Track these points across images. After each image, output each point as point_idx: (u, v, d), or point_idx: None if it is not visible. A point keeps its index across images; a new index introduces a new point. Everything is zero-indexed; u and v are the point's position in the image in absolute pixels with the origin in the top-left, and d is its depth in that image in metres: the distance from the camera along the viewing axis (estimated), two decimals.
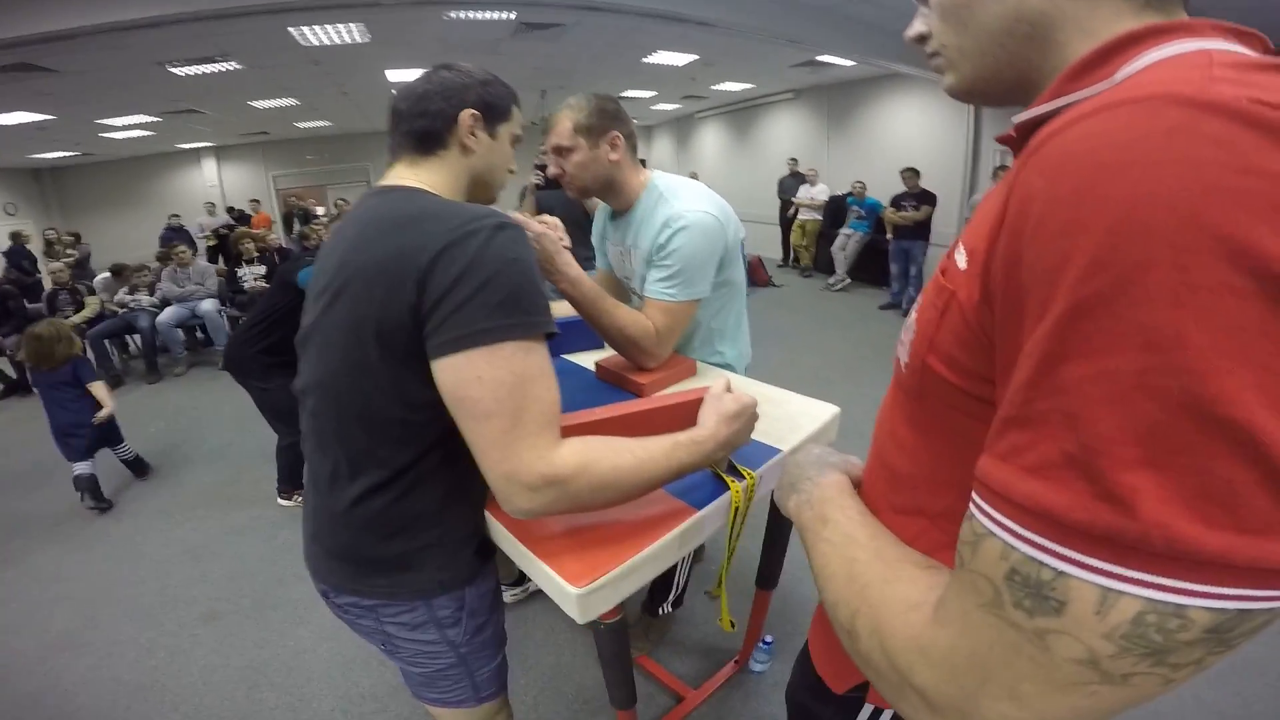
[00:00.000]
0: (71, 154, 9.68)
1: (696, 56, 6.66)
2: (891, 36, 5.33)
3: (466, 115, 0.89)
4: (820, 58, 6.54)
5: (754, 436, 0.98)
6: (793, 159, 8.85)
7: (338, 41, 5.15)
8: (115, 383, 5.20)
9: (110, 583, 2.55)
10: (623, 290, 1.72)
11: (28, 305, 5.53)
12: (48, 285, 5.49)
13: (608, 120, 1.34)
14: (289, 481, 2.95)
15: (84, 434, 3.13)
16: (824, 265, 8.08)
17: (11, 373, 5.25)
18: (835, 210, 7.83)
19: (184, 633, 2.22)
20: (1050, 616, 0.30)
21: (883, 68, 6.24)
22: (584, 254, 3.46)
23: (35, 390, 3.45)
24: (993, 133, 6.68)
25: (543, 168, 3.47)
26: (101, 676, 2.03)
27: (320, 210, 9.80)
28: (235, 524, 2.91)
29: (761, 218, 9.39)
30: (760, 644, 1.82)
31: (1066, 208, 0.30)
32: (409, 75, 6.50)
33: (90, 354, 5.05)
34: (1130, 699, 0.31)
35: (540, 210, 3.54)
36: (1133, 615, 0.28)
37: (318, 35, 4.94)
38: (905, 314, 5.95)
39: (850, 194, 7.36)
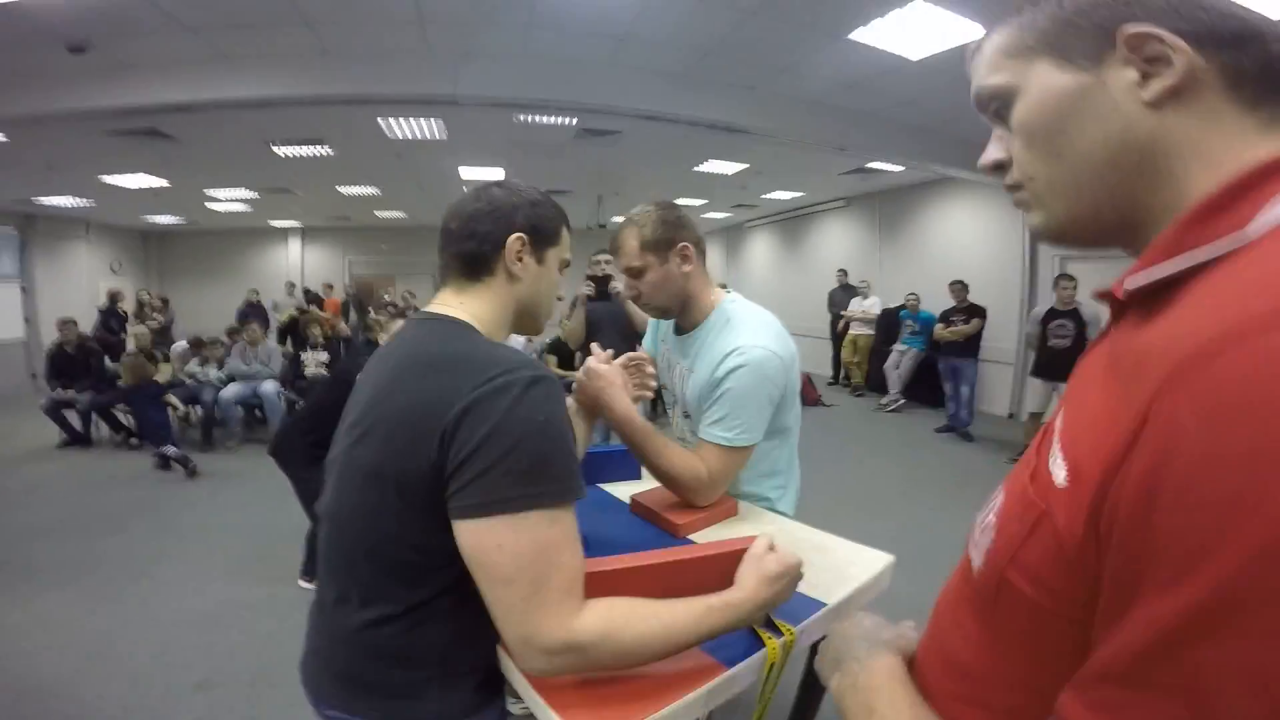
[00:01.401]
0: (177, 220, 10.74)
1: (747, 165, 6.97)
2: (940, 140, 5.44)
3: (514, 240, 0.88)
4: (870, 164, 6.71)
5: (799, 588, 0.92)
6: (842, 270, 8.88)
7: (419, 136, 5.65)
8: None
9: (112, 639, 2.51)
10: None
11: (107, 364, 5.90)
12: (130, 346, 5.83)
13: (673, 230, 1.30)
14: (314, 565, 2.87)
15: (166, 425, 4.88)
16: (877, 383, 7.79)
17: (78, 426, 5.50)
18: (888, 324, 7.64)
19: (170, 698, 2.15)
20: None
21: (933, 172, 6.33)
22: None
23: (130, 405, 5.12)
24: None
25: (594, 278, 3.54)
26: None
27: (387, 296, 10.21)
28: (250, 599, 2.87)
29: (811, 331, 9.31)
30: None
31: (1235, 473, 0.26)
32: (481, 173, 7.15)
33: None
34: None
35: (589, 321, 3.58)
36: None
37: (403, 128, 5.44)
38: (963, 437, 5.70)
39: (904, 307, 7.21)
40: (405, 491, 0.73)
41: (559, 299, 0.98)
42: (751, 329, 1.28)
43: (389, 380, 0.80)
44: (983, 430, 5.91)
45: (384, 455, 0.75)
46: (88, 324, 7.71)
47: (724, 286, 1.43)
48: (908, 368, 7.10)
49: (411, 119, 5.23)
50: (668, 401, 1.57)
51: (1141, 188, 0.40)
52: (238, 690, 2.20)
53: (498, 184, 0.91)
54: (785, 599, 0.86)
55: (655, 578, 0.84)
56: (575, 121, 5.13)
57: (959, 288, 6.03)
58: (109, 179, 7.03)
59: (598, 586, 0.75)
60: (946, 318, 6.07)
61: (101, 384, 5.60)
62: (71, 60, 3.65)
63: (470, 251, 0.87)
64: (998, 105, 0.47)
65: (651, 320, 1.65)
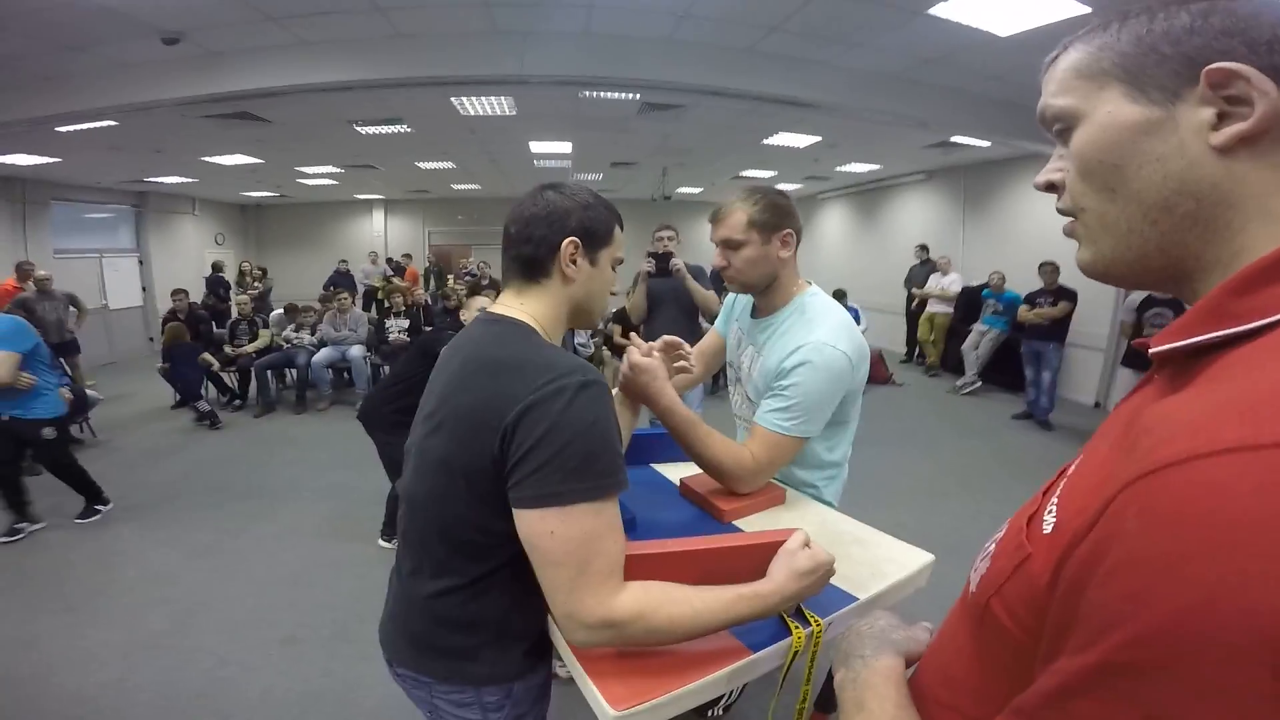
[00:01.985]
0: (272, 194, 11.44)
1: (819, 138, 6.67)
2: (1029, 115, 4.91)
3: (568, 245, 0.93)
4: (954, 138, 6.30)
5: (833, 580, 0.97)
6: (922, 246, 8.42)
7: (490, 113, 5.75)
8: (269, 409, 5.90)
9: (211, 594, 2.75)
10: (716, 362, 1.72)
11: (214, 329, 6.43)
12: (234, 313, 6.33)
13: (782, 217, 1.33)
14: (393, 527, 3.11)
15: (199, 381, 5.57)
16: (953, 364, 7.40)
17: (233, 385, 6.10)
18: (969, 303, 7.23)
19: (259, 651, 2.35)
20: None
21: (1020, 148, 5.87)
22: (691, 343, 3.42)
23: (169, 363, 5.64)
24: None
25: (655, 255, 3.52)
26: (171, 679, 2.18)
27: (465, 265, 10.53)
28: (335, 557, 3.10)
29: (886, 307, 8.97)
30: None
31: (1145, 575, 0.29)
32: (550, 147, 7.21)
33: (254, 380, 5.88)
34: None
35: (650, 296, 3.59)
36: None
37: (475, 105, 5.55)
38: (1041, 425, 5.40)
39: (986, 286, 6.78)
40: (471, 481, 0.83)
41: (612, 294, 1.03)
42: (828, 327, 1.29)
43: (458, 378, 0.88)
44: (1064, 419, 5.56)
45: (452, 448, 0.84)
46: (197, 292, 8.44)
47: (808, 282, 1.44)
48: (987, 349, 6.72)
49: (482, 98, 5.32)
50: (730, 379, 1.61)
51: (1194, 237, 0.38)
52: (318, 645, 2.38)
53: (553, 187, 0.96)
54: (814, 593, 0.92)
55: (691, 563, 0.90)
56: (638, 97, 5.07)
57: (1049, 270, 5.59)
58: (209, 158, 7.54)
59: (638, 569, 0.83)
60: (1032, 299, 5.70)
61: (210, 348, 6.12)
62: (167, 51, 3.94)
63: (527, 255, 0.93)
64: (1061, 126, 0.45)
65: (729, 299, 1.69)
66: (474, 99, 5.36)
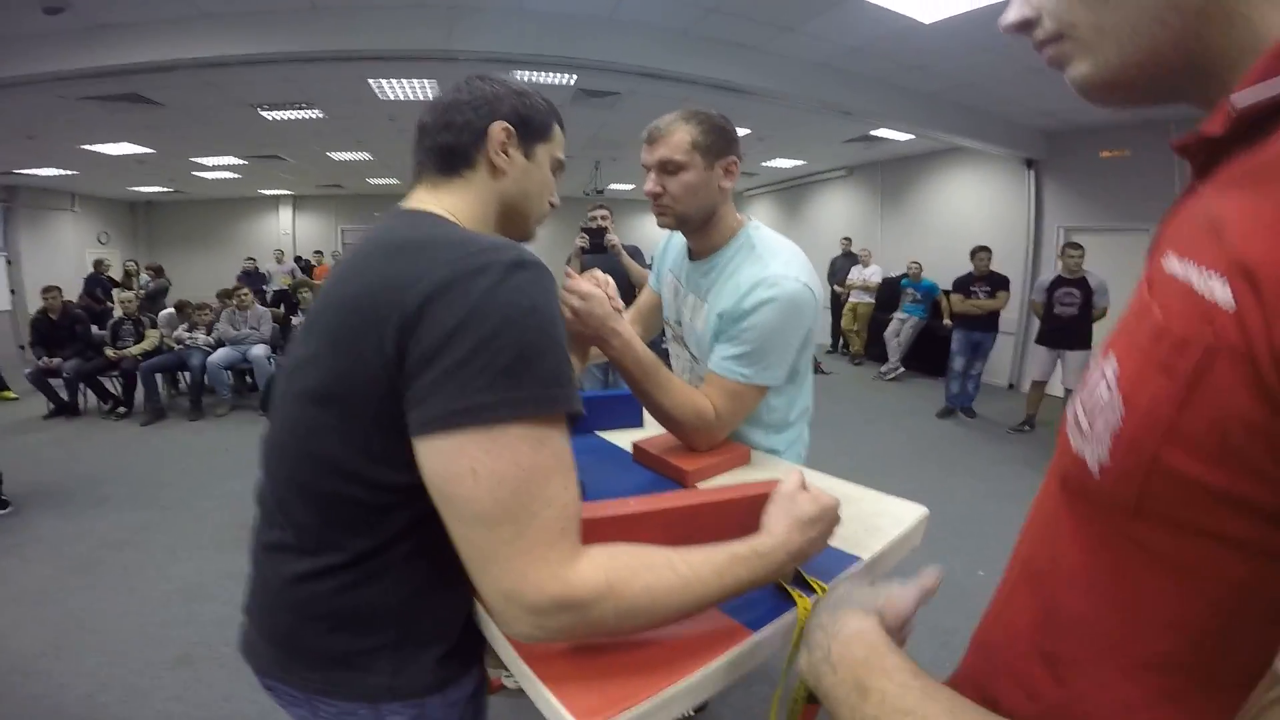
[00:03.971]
0: (165, 189, 10.50)
1: (749, 130, 6.79)
2: (947, 107, 5.31)
3: (498, 129, 0.76)
4: (875, 132, 6.56)
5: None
6: (846, 238, 8.79)
7: (412, 97, 5.46)
8: (158, 416, 5.31)
9: (89, 612, 2.46)
10: (656, 323, 1.56)
11: (94, 331, 5.77)
12: (117, 313, 5.71)
13: (728, 141, 1.17)
14: None
15: None
16: (876, 353, 7.77)
17: (64, 395, 5.40)
18: (889, 293, 7.60)
19: (146, 674, 2.09)
20: None
21: (939, 140, 6.19)
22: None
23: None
24: (1056, 207, 6.43)
25: (589, 230, 3.40)
26: (43, 708, 1.90)
27: None
28: (234, 568, 2.76)
29: None
30: None
31: None
32: None
33: (140, 385, 5.29)
34: None
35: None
36: None
37: (394, 89, 5.26)
38: (967, 414, 5.38)
39: (905, 275, 7.13)
40: (351, 404, 0.60)
41: (552, 205, 0.87)
42: (783, 259, 1.16)
43: (343, 270, 0.67)
44: (982, 402, 5.86)
45: (326, 366, 0.62)
46: (74, 294, 7.58)
47: (748, 216, 1.29)
48: (908, 336, 7.05)
49: (403, 79, 5.04)
50: (668, 337, 1.47)
51: (1208, 30, 0.32)
52: (216, 665, 2.13)
53: (481, 77, 0.79)
54: (819, 549, 0.73)
55: (667, 524, 0.72)
56: (574, 81, 4.96)
57: (983, 255, 5.34)
58: (91, 147, 6.82)
59: (597, 535, 0.62)
60: (965, 287, 5.37)
61: (89, 351, 5.49)
62: (47, 21, 3.49)
63: (447, 144, 0.76)
64: None
65: (660, 249, 1.53)
66: (394, 81, 5.08)
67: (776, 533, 0.68)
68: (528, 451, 0.55)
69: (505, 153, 0.77)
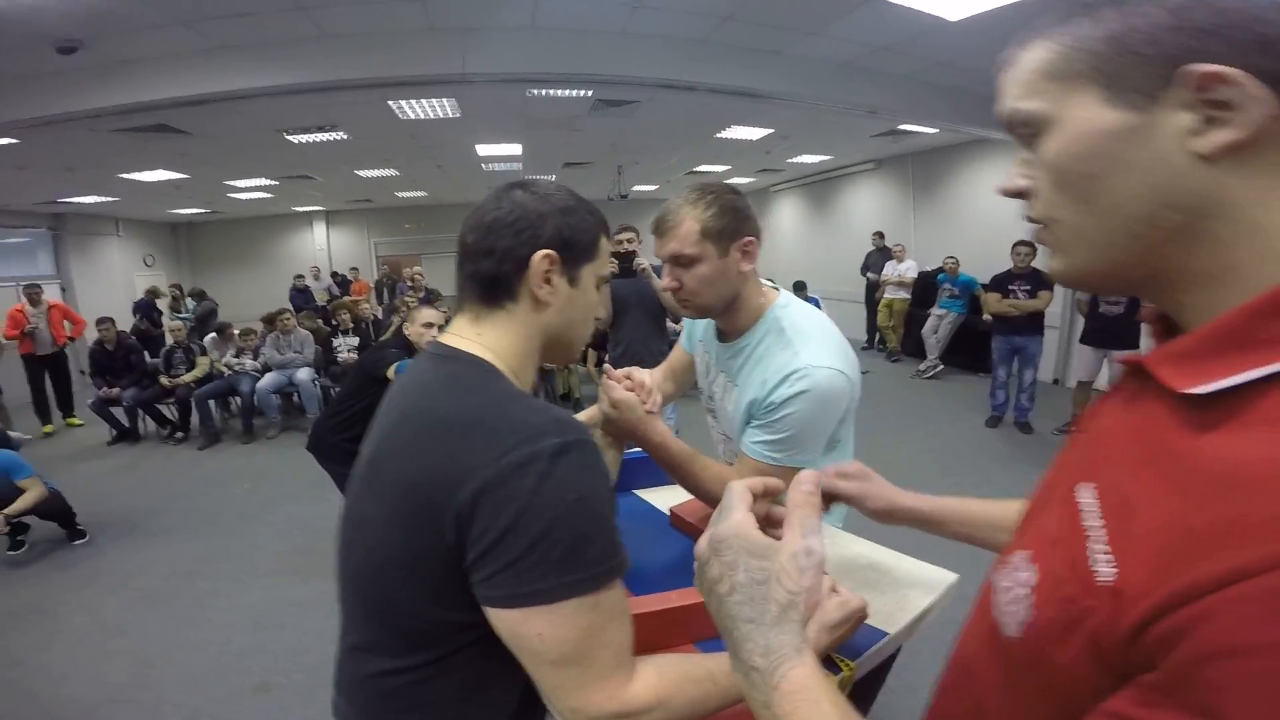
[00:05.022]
0: (202, 211, 10.82)
1: (772, 130, 6.64)
2: (977, 101, 5.11)
3: (539, 259, 0.72)
4: (902, 126, 6.36)
5: None
6: (878, 233, 8.55)
7: (432, 116, 5.50)
8: (213, 440, 5.53)
9: (172, 642, 2.56)
10: (687, 380, 1.53)
11: (147, 359, 5.99)
12: (169, 341, 5.92)
13: (740, 220, 1.10)
14: None
15: None
16: (913, 349, 7.54)
17: (124, 422, 5.64)
18: (924, 288, 7.36)
19: (231, 701, 2.19)
20: None
21: (967, 134, 5.96)
22: (659, 348, 3.13)
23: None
24: None
25: (618, 255, 3.34)
26: None
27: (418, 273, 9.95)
28: (300, 596, 2.90)
29: (844, 296, 9.05)
30: None
31: None
32: (498, 149, 6.97)
33: (195, 411, 5.54)
34: None
35: (615, 299, 3.32)
36: None
37: (415, 109, 5.30)
38: (1022, 429, 4.82)
39: (941, 270, 6.88)
40: (417, 569, 0.66)
41: (597, 319, 0.86)
42: (815, 345, 1.10)
43: (395, 437, 0.71)
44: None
45: (389, 530, 0.67)
46: (126, 317, 7.89)
47: (772, 284, 1.25)
48: (946, 332, 6.84)
49: (422, 100, 5.08)
50: (703, 407, 1.45)
51: (1179, 249, 0.36)
52: (293, 692, 2.22)
53: (522, 185, 0.76)
54: (843, 641, 0.75)
55: (699, 619, 0.80)
56: (590, 94, 4.92)
57: (1024, 250, 4.77)
58: (128, 175, 7.05)
59: (643, 627, 0.72)
60: (1003, 286, 4.86)
61: (145, 380, 5.71)
62: (65, 61, 3.57)
63: (488, 273, 0.73)
64: (1028, 132, 0.42)
65: (687, 321, 1.49)
66: (413, 102, 5.11)
67: (806, 637, 0.70)
68: (586, 615, 0.63)
69: (548, 282, 0.74)
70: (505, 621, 0.64)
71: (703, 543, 0.49)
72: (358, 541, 0.74)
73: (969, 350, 6.59)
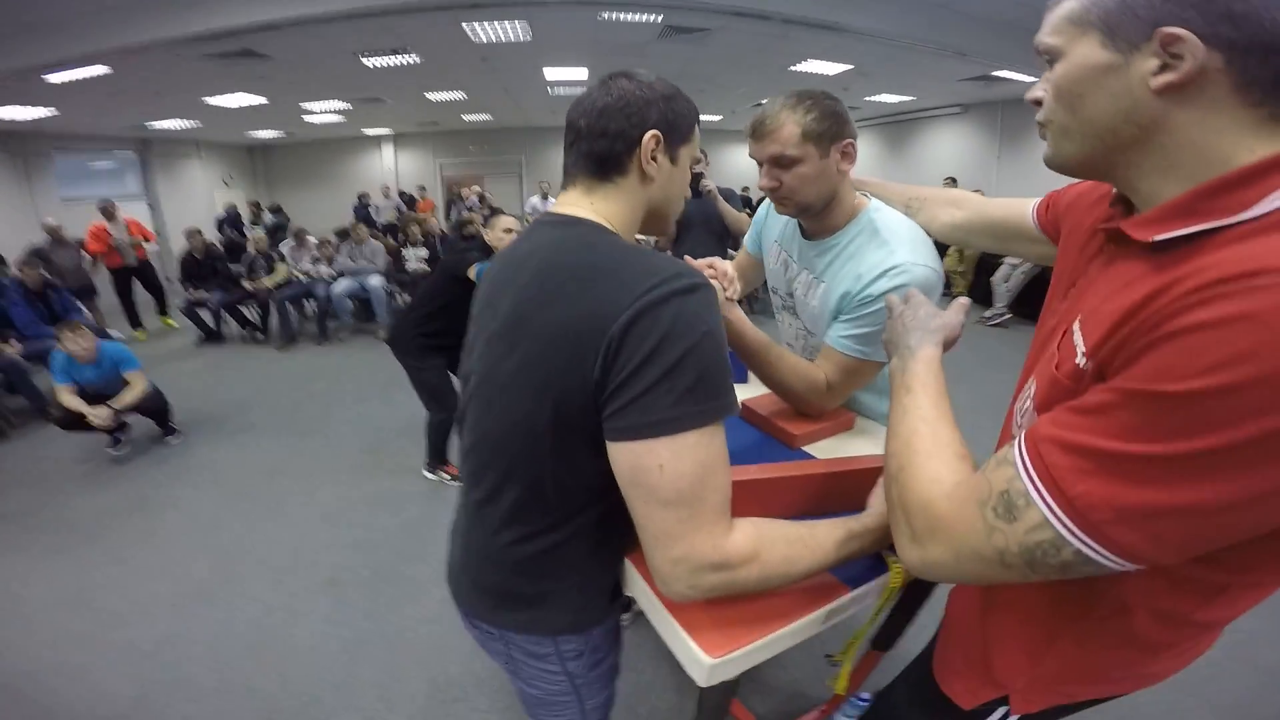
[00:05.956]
0: (278, 134, 11.16)
1: (851, 66, 6.30)
2: None
3: (649, 138, 0.80)
4: (997, 72, 5.93)
5: None
6: (950, 178, 8.10)
7: (503, 39, 5.46)
8: (290, 341, 5.90)
9: (252, 539, 2.69)
10: (753, 279, 1.58)
11: (231, 267, 6.38)
12: (251, 250, 6.28)
13: (840, 123, 1.13)
14: (436, 457, 3.10)
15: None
16: (981, 295, 7.26)
17: (211, 324, 6.09)
18: None
19: (304, 595, 2.30)
20: (1006, 522, 0.52)
21: None
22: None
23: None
24: None
25: None
26: (222, 631, 2.13)
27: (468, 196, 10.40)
28: (370, 493, 3.04)
29: None
30: (855, 698, 1.63)
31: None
32: (565, 73, 6.85)
33: (275, 313, 5.89)
34: (999, 578, 0.55)
35: (680, 220, 3.39)
36: (1043, 539, 0.50)
37: (487, 31, 5.26)
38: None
39: None
40: (562, 409, 0.71)
41: (686, 199, 0.92)
42: (909, 244, 1.14)
43: (536, 293, 0.75)
44: None
45: (541, 375, 0.72)
46: (209, 230, 8.35)
47: (866, 196, 1.27)
48: (1018, 282, 6.49)
49: (495, 22, 5.03)
50: (775, 306, 1.48)
51: (1135, 153, 0.52)
52: (358, 587, 2.34)
53: (625, 75, 0.83)
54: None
55: (794, 489, 0.86)
56: (660, 19, 4.76)
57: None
58: (212, 100, 7.32)
59: (739, 495, 0.74)
60: None
61: (229, 285, 6.09)
62: None
63: (603, 150, 0.80)
64: (1049, 58, 0.56)
65: (761, 217, 1.51)
66: (486, 24, 5.07)
67: (883, 512, 0.82)
68: (701, 451, 0.68)
69: (654, 159, 0.82)
70: (628, 455, 0.68)
71: (894, 297, 0.89)
72: (499, 400, 0.78)
73: (1039, 301, 6.25)
